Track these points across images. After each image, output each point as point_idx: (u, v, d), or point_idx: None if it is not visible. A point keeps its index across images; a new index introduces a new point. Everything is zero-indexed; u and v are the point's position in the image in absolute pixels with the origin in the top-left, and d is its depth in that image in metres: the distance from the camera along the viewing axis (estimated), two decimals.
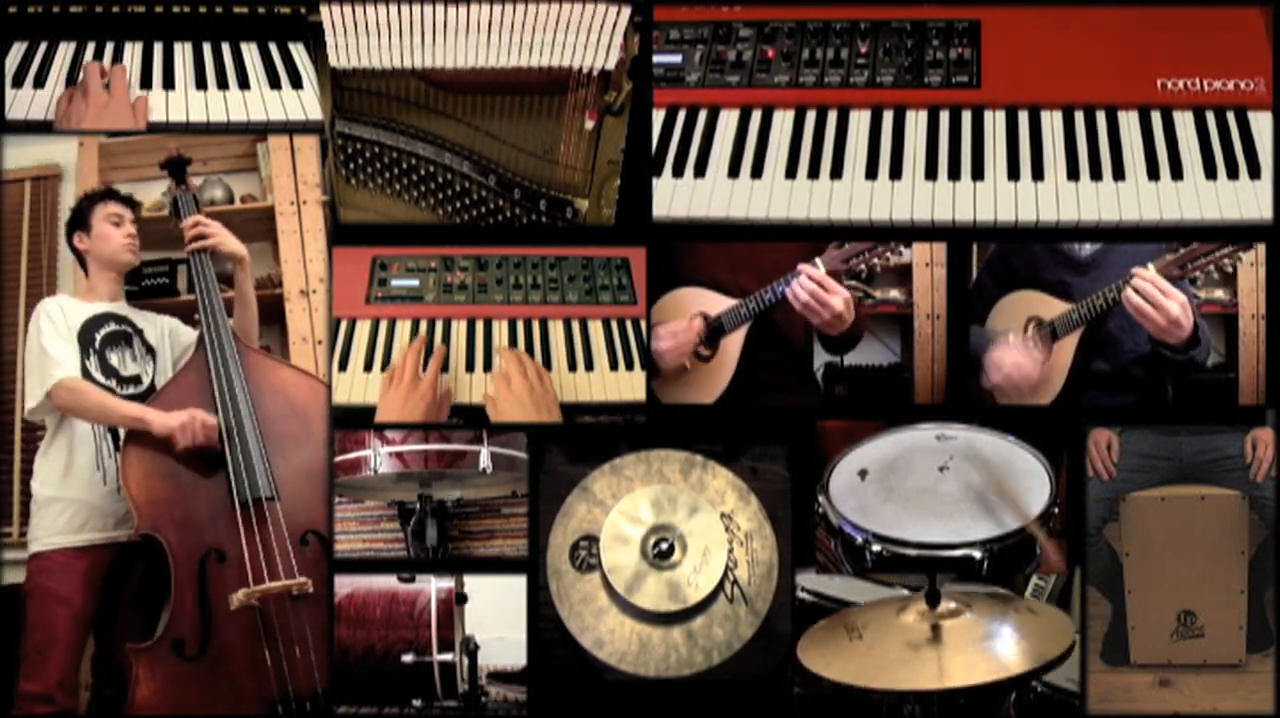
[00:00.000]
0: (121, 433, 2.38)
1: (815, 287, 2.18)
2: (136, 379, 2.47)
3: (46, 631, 2.32)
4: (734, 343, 2.35)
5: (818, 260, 2.21)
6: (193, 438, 2.26)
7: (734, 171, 2.27)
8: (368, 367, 2.32)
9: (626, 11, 2.24)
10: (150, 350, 2.53)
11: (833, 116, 2.33)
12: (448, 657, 2.29)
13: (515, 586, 2.24)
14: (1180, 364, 2.22)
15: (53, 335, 2.37)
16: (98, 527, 2.39)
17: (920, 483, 2.11)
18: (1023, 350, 2.34)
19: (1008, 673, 1.77)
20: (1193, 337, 2.15)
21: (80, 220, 2.54)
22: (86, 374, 2.38)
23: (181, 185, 2.56)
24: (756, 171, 2.27)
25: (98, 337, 2.45)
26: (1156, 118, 2.28)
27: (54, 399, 2.33)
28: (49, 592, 2.34)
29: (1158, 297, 2.09)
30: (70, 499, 2.38)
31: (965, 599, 1.92)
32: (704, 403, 2.37)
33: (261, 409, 2.34)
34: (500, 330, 2.40)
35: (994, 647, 1.82)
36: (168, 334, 2.59)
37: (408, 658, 2.28)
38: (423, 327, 2.39)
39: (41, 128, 2.28)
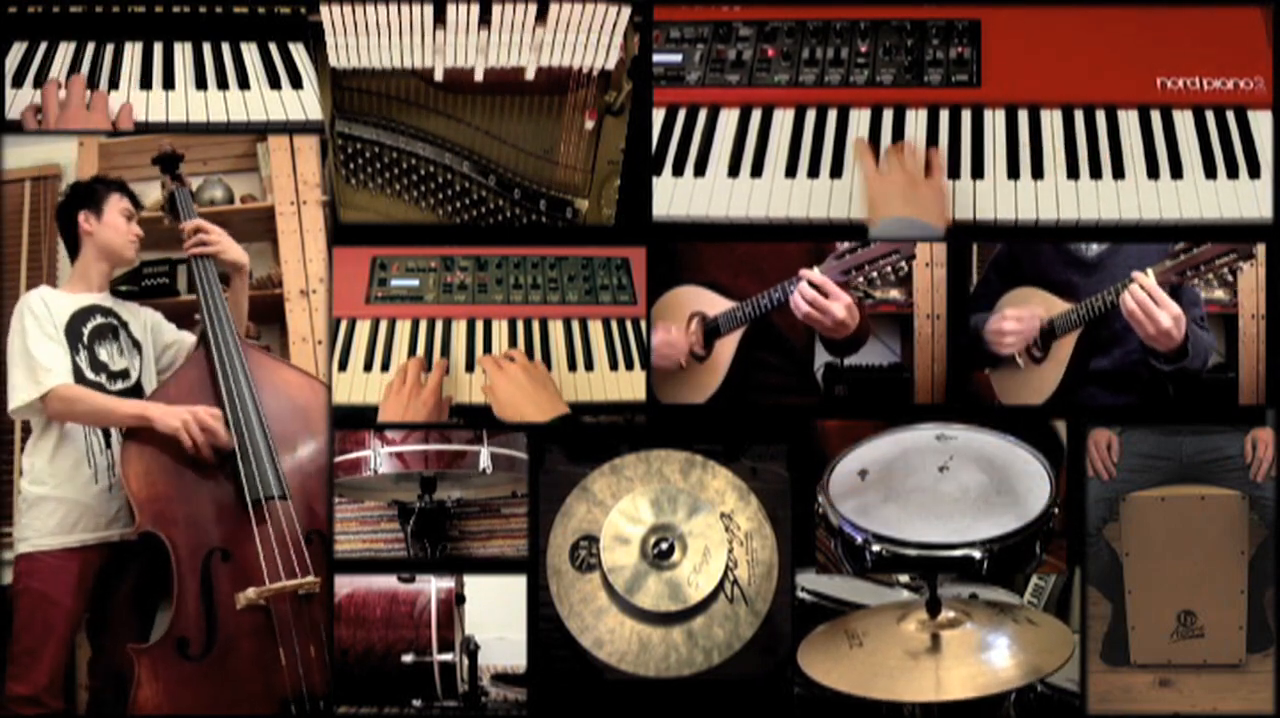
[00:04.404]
0: (115, 429, 2.34)
1: (816, 294, 2.16)
2: (125, 374, 2.41)
3: (37, 633, 2.27)
4: (729, 344, 2.35)
5: (816, 270, 2.19)
6: (198, 437, 2.21)
7: (734, 171, 2.27)
8: (368, 367, 2.32)
9: (626, 11, 2.23)
10: (136, 344, 2.48)
11: (833, 116, 2.33)
12: (448, 657, 2.29)
13: (515, 586, 2.23)
14: (1168, 374, 2.23)
15: (39, 337, 2.30)
16: (90, 526, 2.34)
17: (920, 483, 2.11)
18: (1019, 309, 2.34)
19: (1004, 687, 1.77)
20: (1182, 348, 2.16)
21: (92, 200, 2.45)
22: (76, 370, 2.32)
23: (176, 181, 2.52)
24: (756, 171, 2.27)
25: (85, 330, 2.38)
26: (1156, 117, 2.28)
27: (48, 408, 2.28)
28: (40, 594, 2.28)
29: (1150, 306, 2.09)
30: (62, 498, 2.32)
31: (966, 609, 1.92)
32: (695, 403, 2.37)
33: (264, 408, 2.31)
34: (500, 330, 2.40)
35: (991, 659, 1.82)
36: (150, 329, 2.53)
37: (408, 658, 2.28)
38: (423, 327, 2.39)
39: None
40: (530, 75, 2.27)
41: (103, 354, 2.39)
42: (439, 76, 2.27)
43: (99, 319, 2.42)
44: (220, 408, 2.26)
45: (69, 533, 2.32)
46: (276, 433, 2.30)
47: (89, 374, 2.35)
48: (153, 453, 2.23)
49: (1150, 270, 2.12)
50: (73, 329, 2.36)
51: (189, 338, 2.58)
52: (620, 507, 2.12)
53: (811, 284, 2.16)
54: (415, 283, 2.46)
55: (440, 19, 2.22)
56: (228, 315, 2.38)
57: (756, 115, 2.34)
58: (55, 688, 2.27)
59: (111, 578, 2.37)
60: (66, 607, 2.29)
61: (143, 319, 2.53)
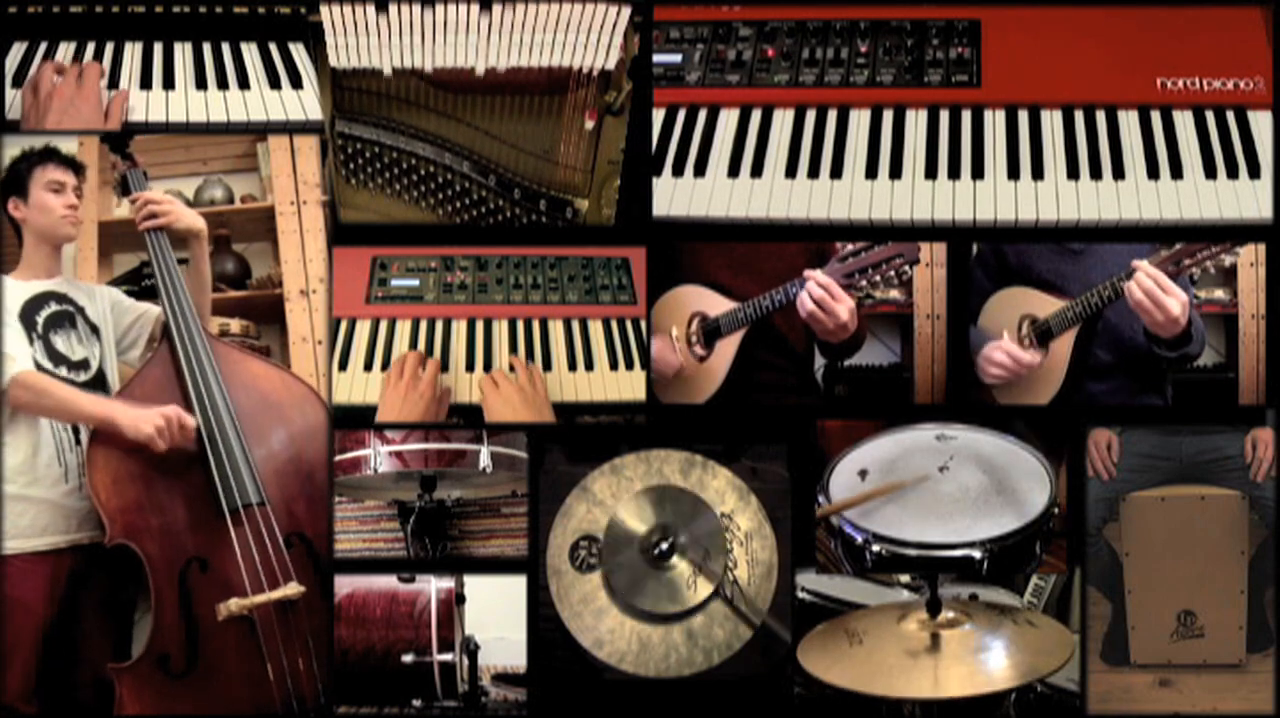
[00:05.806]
0: (84, 428, 2.25)
1: (823, 294, 2.16)
2: (85, 363, 2.30)
3: (8, 640, 2.18)
4: (730, 345, 2.35)
5: (820, 272, 2.19)
6: (172, 442, 2.12)
7: (734, 171, 2.27)
8: (368, 366, 2.32)
9: (626, 11, 2.23)
10: (94, 329, 2.37)
11: (833, 116, 2.33)
12: (448, 657, 2.29)
13: (515, 586, 2.23)
14: (1171, 360, 2.23)
15: None
16: (60, 529, 2.23)
17: (920, 483, 2.11)
18: (1016, 346, 2.33)
19: (999, 687, 1.78)
20: (1185, 333, 2.16)
21: (17, 184, 2.31)
22: (34, 362, 2.21)
23: (128, 161, 2.41)
24: (756, 171, 2.27)
25: (39, 319, 2.28)
26: (1156, 117, 2.28)
27: (10, 399, 2.15)
28: (11, 599, 2.18)
29: (1158, 294, 2.09)
30: (33, 499, 2.21)
31: (966, 609, 1.93)
32: (694, 403, 2.37)
33: (235, 405, 2.22)
34: (500, 330, 2.40)
35: (990, 659, 1.82)
36: (109, 308, 2.42)
37: (408, 658, 2.28)
38: (423, 327, 2.39)
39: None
40: (502, 69, 2.24)
41: (60, 344, 2.28)
42: (435, 69, 2.26)
43: (53, 307, 2.31)
44: (189, 409, 2.17)
45: (40, 536, 2.22)
46: (249, 431, 2.21)
47: (47, 366, 2.24)
48: (121, 459, 2.13)
49: (1147, 261, 2.11)
50: (26, 318, 2.26)
51: (153, 310, 2.45)
52: (620, 507, 2.12)
53: (818, 284, 2.16)
54: (415, 283, 2.46)
55: (439, 19, 2.22)
56: (191, 307, 2.29)
57: (756, 115, 2.34)
58: (27, 694, 2.20)
59: (83, 582, 2.27)
60: (38, 613, 2.20)
61: (99, 300, 2.42)
